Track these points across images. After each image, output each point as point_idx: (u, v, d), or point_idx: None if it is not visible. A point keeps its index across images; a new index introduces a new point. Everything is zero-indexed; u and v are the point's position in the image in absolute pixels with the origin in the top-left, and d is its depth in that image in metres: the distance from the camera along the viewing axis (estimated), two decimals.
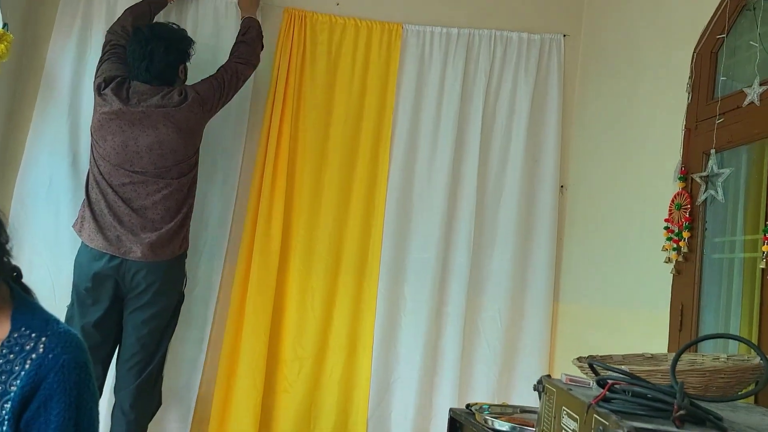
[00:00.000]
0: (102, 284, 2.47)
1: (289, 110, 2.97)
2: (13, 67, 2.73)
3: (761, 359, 1.11)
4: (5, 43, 2.53)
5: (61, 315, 2.59)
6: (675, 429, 0.88)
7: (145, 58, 2.54)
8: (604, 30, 3.05)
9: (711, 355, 1.78)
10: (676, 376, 1.05)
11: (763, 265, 1.83)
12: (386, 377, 2.98)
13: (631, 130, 2.70)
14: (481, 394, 2.95)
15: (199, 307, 2.87)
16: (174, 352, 2.76)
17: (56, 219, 2.80)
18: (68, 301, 2.59)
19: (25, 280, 2.84)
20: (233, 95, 2.74)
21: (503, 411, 1.76)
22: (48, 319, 1.17)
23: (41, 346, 1.11)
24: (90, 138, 2.60)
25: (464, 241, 3.03)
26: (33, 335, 1.12)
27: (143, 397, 2.50)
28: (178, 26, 2.68)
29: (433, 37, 3.11)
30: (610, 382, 1.03)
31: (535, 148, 3.13)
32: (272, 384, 2.93)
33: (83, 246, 2.54)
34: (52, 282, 2.75)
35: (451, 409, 1.97)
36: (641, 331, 2.42)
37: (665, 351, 2.17)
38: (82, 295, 2.50)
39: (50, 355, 1.10)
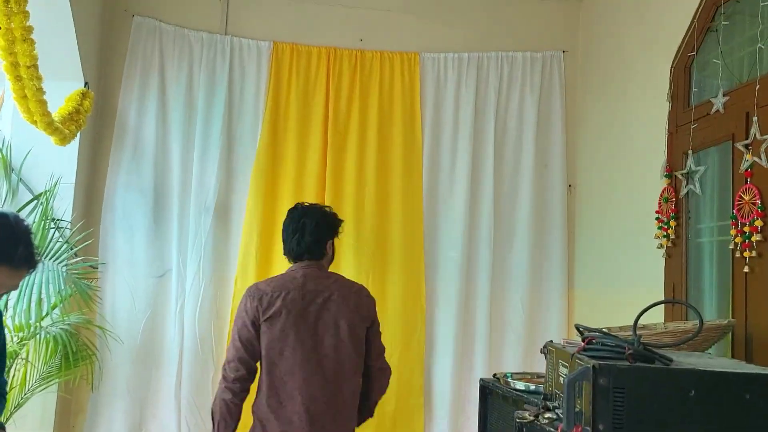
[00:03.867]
0: None
1: (331, 132, 3.44)
2: (91, 115, 3.22)
3: (694, 313, 1.51)
4: (89, 100, 3.02)
5: (140, 319, 3.26)
6: (626, 363, 1.30)
7: (297, 231, 2.60)
8: (597, 45, 3.45)
9: (692, 322, 2.17)
10: (638, 333, 1.46)
11: (732, 246, 2.22)
12: (427, 361, 3.41)
13: (624, 134, 3.10)
14: (509, 370, 3.37)
15: None
16: None
17: (131, 244, 3.30)
18: (144, 306, 3.28)
19: (110, 293, 3.45)
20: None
21: (522, 376, 2.17)
22: None
23: None
24: None
25: (485, 239, 3.46)
26: None
27: None
28: (330, 208, 2.68)
29: (447, 62, 3.54)
30: (588, 337, 1.44)
31: (544, 153, 3.54)
32: None
33: None
34: (132, 294, 3.27)
35: (481, 379, 2.39)
36: (642, 307, 2.80)
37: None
38: None
39: None
